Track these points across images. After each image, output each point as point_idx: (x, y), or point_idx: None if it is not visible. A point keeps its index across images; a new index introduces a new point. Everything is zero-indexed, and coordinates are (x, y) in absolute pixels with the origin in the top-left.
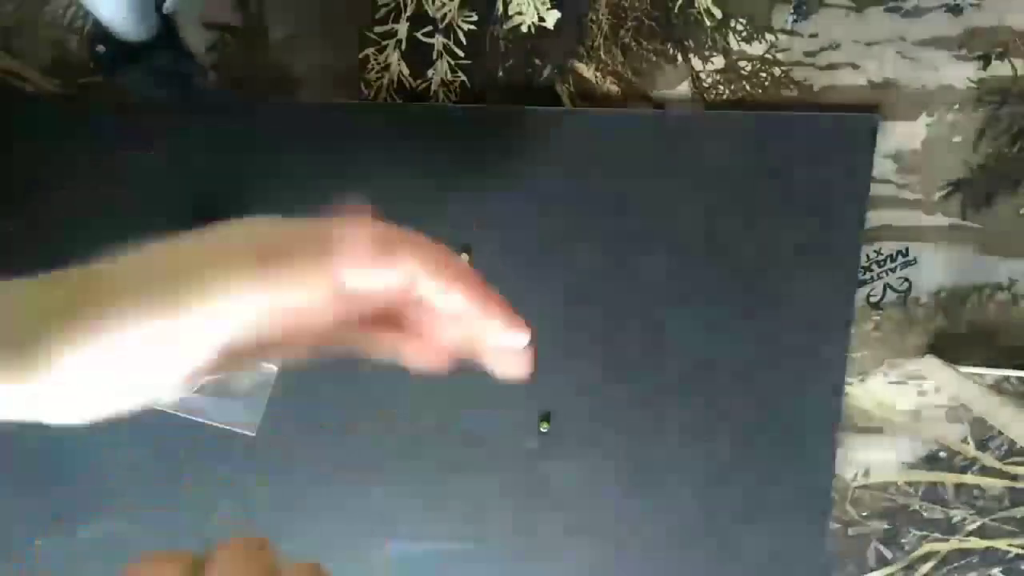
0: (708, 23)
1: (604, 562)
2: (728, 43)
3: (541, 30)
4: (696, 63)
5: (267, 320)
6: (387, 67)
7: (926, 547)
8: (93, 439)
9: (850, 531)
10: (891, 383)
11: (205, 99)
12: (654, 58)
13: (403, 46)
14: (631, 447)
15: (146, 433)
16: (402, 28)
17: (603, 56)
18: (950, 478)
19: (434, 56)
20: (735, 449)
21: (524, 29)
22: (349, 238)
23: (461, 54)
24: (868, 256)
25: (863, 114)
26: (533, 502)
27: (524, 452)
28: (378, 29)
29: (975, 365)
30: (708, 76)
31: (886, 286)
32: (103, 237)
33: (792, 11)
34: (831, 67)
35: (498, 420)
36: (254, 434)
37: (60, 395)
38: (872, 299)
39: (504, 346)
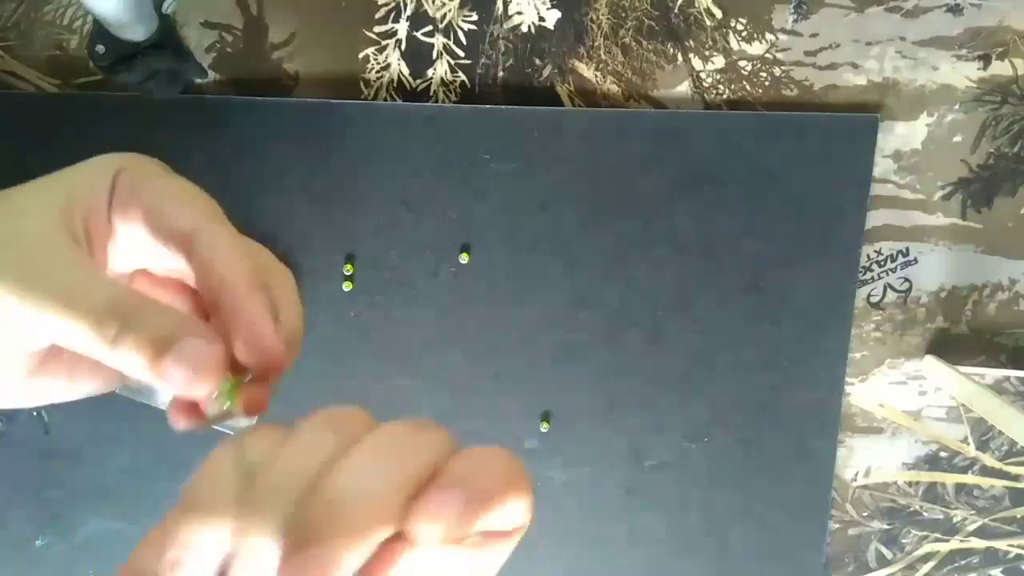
0: (708, 23)
1: (604, 562)
2: (728, 43)
3: (541, 30)
4: (696, 63)
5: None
6: (387, 67)
7: (926, 547)
8: (93, 439)
9: (850, 531)
10: (891, 383)
11: (205, 99)
12: (654, 58)
13: (403, 46)
14: (631, 447)
15: (146, 433)
16: (402, 28)
17: (603, 56)
18: (950, 478)
19: (434, 56)
20: (735, 449)
21: (524, 29)
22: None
23: (461, 54)
24: (868, 256)
25: (863, 114)
26: (533, 502)
27: (524, 452)
28: (378, 29)
29: (975, 365)
30: (708, 76)
31: (886, 286)
32: None
33: (792, 10)
34: (831, 67)
35: (498, 420)
36: None
37: None
38: (872, 299)
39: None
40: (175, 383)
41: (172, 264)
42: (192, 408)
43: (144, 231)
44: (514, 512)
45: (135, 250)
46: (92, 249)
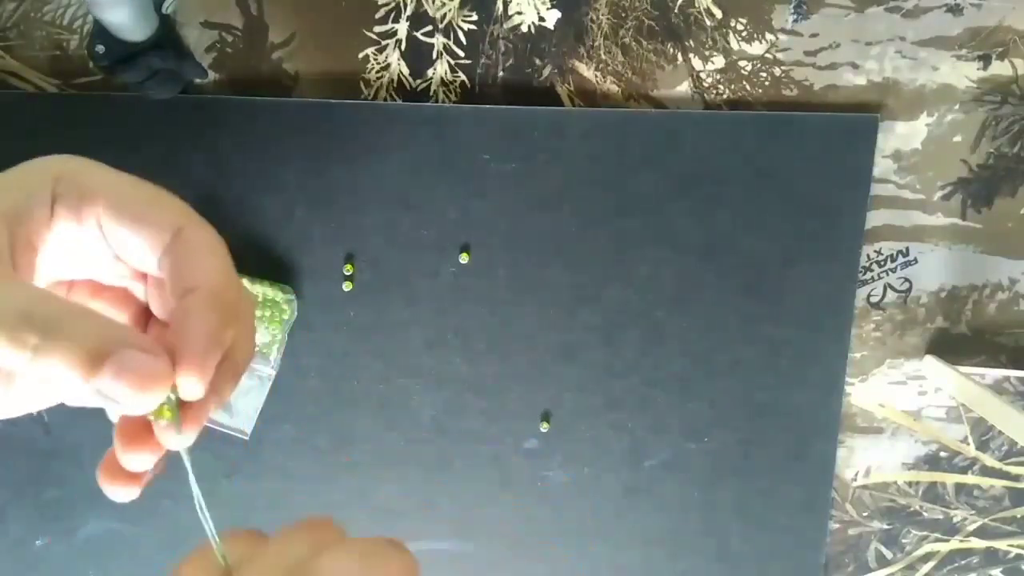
0: (708, 23)
1: (603, 562)
2: (728, 43)
3: (541, 30)
4: (696, 63)
5: None
6: (387, 67)
7: (926, 547)
8: (93, 439)
9: (850, 531)
10: (891, 383)
11: (205, 99)
12: (654, 58)
13: (403, 46)
14: (631, 447)
15: None
16: (402, 28)
17: (603, 56)
18: (950, 478)
19: (434, 56)
20: (735, 449)
21: (524, 29)
22: None
23: (461, 54)
24: (868, 256)
25: (863, 114)
26: (532, 502)
27: (524, 452)
28: (378, 29)
29: (975, 365)
30: (708, 76)
31: (886, 286)
32: None
33: (792, 10)
34: (831, 67)
35: (498, 420)
36: (248, 436)
37: None
38: (872, 299)
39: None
40: (116, 396)
41: (113, 272)
42: (121, 469)
43: (108, 227)
44: None
45: (72, 259)
46: (16, 259)
